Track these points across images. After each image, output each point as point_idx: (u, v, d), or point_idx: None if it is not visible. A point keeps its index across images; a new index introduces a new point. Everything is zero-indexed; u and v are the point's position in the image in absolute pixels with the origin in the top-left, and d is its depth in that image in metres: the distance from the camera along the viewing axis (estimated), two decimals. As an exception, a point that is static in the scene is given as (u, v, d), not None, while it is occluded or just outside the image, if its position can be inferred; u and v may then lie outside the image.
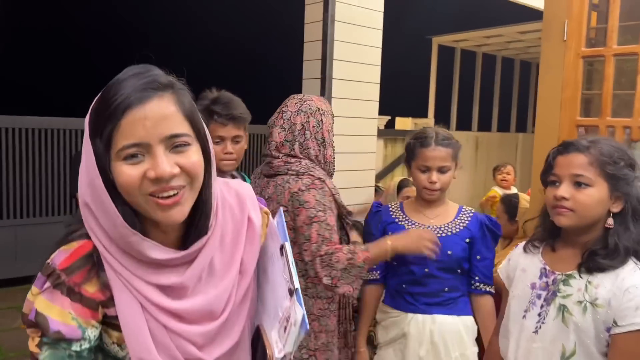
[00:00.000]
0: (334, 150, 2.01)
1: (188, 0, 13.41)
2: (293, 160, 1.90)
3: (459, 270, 1.94)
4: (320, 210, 1.80)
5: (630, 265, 1.31)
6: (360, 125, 3.59)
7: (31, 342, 0.92)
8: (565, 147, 1.37)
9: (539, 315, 1.42)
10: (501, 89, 9.54)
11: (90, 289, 0.92)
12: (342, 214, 1.98)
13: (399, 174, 6.21)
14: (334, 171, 2.02)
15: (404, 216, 2.02)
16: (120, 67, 0.95)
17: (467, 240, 1.94)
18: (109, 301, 0.93)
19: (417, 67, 6.34)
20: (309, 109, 1.96)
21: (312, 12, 3.44)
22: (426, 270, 1.92)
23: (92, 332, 0.93)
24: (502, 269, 1.63)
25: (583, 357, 1.32)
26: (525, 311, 1.46)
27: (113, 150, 0.89)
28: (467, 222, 1.97)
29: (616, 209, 1.33)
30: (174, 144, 0.91)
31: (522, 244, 1.59)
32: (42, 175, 5.36)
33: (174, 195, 0.91)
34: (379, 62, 3.62)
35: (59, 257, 0.93)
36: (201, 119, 0.99)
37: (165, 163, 0.89)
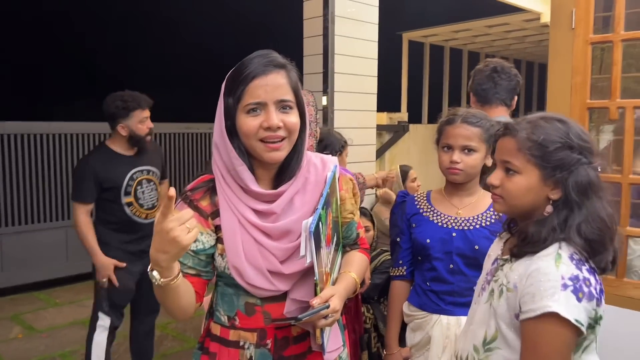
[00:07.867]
0: (316, 140, 2.19)
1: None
2: None
3: None
4: None
5: (550, 250, 1.17)
6: (360, 118, 3.67)
7: None
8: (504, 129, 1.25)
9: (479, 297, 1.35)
10: (467, 82, 9.80)
11: (204, 203, 1.31)
12: None
13: (378, 167, 6.33)
14: None
15: (430, 206, 1.87)
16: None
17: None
18: (215, 214, 1.30)
19: (390, 63, 6.49)
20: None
21: (311, 8, 3.50)
22: (451, 266, 1.77)
23: (206, 238, 1.30)
24: None
25: (502, 342, 1.21)
26: (478, 296, 1.38)
27: (241, 105, 1.24)
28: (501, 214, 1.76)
29: (555, 196, 1.19)
30: (282, 105, 1.25)
31: None
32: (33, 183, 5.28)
33: (278, 142, 1.24)
34: (376, 56, 3.70)
35: (190, 184, 1.35)
36: (302, 91, 1.33)
37: (275, 118, 1.23)
